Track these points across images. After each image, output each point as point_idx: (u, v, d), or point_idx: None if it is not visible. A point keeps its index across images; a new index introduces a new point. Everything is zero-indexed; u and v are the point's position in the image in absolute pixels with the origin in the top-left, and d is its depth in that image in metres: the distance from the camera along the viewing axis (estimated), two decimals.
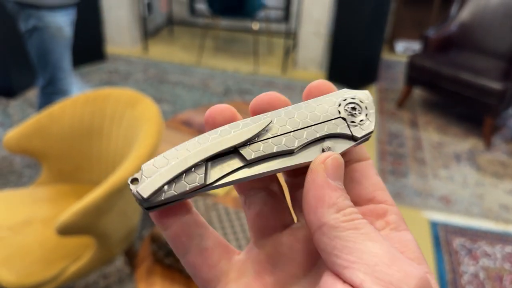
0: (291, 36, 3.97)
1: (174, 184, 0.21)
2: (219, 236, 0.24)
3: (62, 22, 1.83)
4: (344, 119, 0.23)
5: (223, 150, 0.21)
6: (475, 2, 2.89)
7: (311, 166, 0.21)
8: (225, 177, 0.21)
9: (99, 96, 1.50)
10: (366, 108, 0.24)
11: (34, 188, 1.47)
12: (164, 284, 1.16)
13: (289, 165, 0.22)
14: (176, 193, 0.20)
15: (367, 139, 0.23)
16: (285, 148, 0.22)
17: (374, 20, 3.07)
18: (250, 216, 0.25)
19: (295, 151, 0.22)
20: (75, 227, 1.09)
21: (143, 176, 0.21)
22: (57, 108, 1.48)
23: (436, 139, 2.65)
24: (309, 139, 0.22)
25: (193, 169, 0.21)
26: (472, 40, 2.88)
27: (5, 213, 1.32)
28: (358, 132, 0.23)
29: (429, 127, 2.80)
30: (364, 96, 0.24)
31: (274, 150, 0.22)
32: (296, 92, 3.22)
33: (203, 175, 0.21)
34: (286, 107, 0.23)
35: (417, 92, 3.17)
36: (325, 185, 0.20)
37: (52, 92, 1.95)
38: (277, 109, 0.23)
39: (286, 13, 4.30)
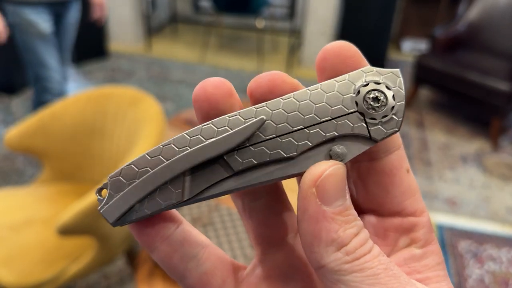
0: (296, 34, 3.95)
1: (146, 201, 0.17)
2: (219, 252, 0.21)
3: (37, 19, 1.80)
4: (362, 113, 0.18)
5: (204, 160, 0.17)
6: (483, 1, 2.86)
7: (300, 187, 0.17)
8: (207, 190, 0.18)
9: (101, 95, 1.49)
10: (393, 98, 0.18)
11: (35, 186, 1.46)
12: (166, 285, 1.14)
13: (286, 175, 0.18)
14: (148, 213, 0.17)
15: (391, 135, 0.18)
16: (282, 155, 0.18)
17: (381, 18, 3.04)
18: (252, 226, 0.22)
19: (295, 157, 0.18)
20: (76, 227, 1.07)
21: (109, 192, 0.17)
22: (59, 106, 1.47)
23: (443, 140, 2.63)
24: (313, 143, 0.18)
25: (168, 183, 0.17)
26: (480, 40, 2.85)
27: (5, 212, 1.31)
28: (378, 134, 0.18)
29: (436, 127, 2.77)
30: (392, 78, 0.18)
31: (268, 159, 0.18)
32: None
33: (180, 190, 0.17)
34: (288, 95, 0.18)
35: (424, 92, 3.15)
36: (320, 216, 0.16)
37: (40, 90, 1.94)
38: (280, 95, 0.18)
39: (291, 11, 4.28)
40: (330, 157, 0.18)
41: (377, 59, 3.23)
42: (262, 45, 3.88)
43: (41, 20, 1.82)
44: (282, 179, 0.18)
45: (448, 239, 1.86)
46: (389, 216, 0.20)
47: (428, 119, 2.87)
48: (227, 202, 1.36)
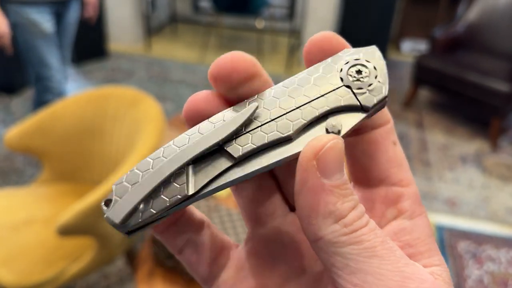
0: (296, 34, 3.95)
1: (151, 201, 0.17)
2: (214, 229, 0.22)
3: (40, 18, 1.81)
4: (348, 87, 0.18)
5: (204, 150, 0.17)
6: (483, 2, 2.87)
7: (299, 160, 0.17)
8: (211, 183, 0.17)
9: (101, 95, 1.49)
10: (374, 68, 0.19)
11: (35, 186, 1.46)
12: (165, 286, 1.15)
13: (287, 155, 0.18)
14: (155, 212, 0.17)
15: (382, 107, 0.19)
16: (280, 135, 0.18)
17: (380, 19, 3.05)
18: (243, 204, 0.22)
19: (292, 137, 0.18)
20: (76, 227, 1.07)
21: (114, 197, 0.17)
22: (59, 106, 1.47)
23: (442, 140, 2.63)
24: (307, 120, 0.18)
25: (171, 179, 0.17)
26: (479, 41, 2.85)
27: (5, 212, 1.31)
28: (368, 101, 0.18)
29: (435, 128, 2.77)
30: (370, 53, 0.19)
31: (266, 141, 0.18)
32: None
33: (184, 184, 0.17)
34: (277, 85, 0.19)
35: (423, 93, 3.15)
36: (319, 189, 0.16)
37: (41, 90, 1.95)
38: (243, 75, 0.19)
39: (291, 12, 4.28)
40: (327, 131, 0.18)
41: None
42: (262, 45, 3.88)
43: (43, 20, 1.83)
44: (285, 162, 0.18)
45: (448, 240, 1.87)
46: (375, 186, 0.21)
47: (427, 119, 2.88)
48: (226, 203, 1.37)
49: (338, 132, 0.18)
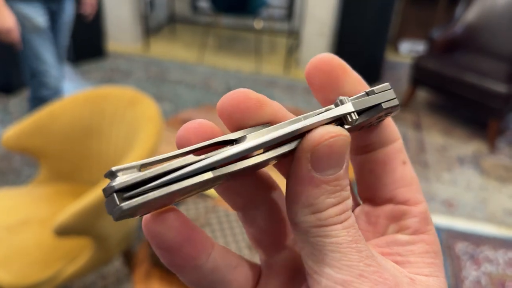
0: (294, 35, 3.95)
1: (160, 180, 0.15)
2: (247, 271, 0.20)
3: (32, 13, 1.82)
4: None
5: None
6: (481, 3, 2.87)
7: (298, 148, 0.17)
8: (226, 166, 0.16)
9: (99, 95, 1.49)
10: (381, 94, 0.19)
11: (32, 187, 1.46)
12: (162, 287, 1.14)
13: (300, 127, 0.17)
14: (163, 173, 0.15)
15: (392, 111, 0.19)
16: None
17: (379, 19, 3.05)
18: (254, 235, 0.21)
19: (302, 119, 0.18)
20: (73, 228, 1.07)
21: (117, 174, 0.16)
22: (57, 106, 1.47)
23: (440, 141, 2.63)
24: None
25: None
26: (477, 42, 2.85)
27: (2, 212, 1.31)
28: (379, 99, 0.19)
29: (433, 129, 2.77)
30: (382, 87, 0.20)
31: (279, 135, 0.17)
32: (298, 92, 3.20)
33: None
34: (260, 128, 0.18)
35: (421, 94, 3.15)
36: (306, 180, 0.17)
37: (37, 85, 1.95)
38: (245, 111, 0.17)
39: (289, 12, 4.28)
40: (336, 105, 0.18)
41: (375, 60, 3.23)
42: (260, 46, 3.88)
43: (36, 15, 1.83)
44: (298, 133, 0.17)
45: (445, 241, 1.87)
46: (382, 204, 0.21)
47: (425, 120, 2.88)
48: (225, 204, 1.36)
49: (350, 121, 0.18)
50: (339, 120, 0.18)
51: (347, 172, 0.17)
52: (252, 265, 0.21)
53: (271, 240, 0.21)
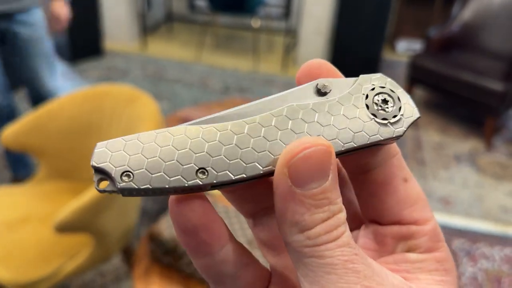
0: (292, 34, 3.95)
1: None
2: (257, 271, 0.20)
3: None
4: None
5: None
6: (478, 2, 2.88)
7: (276, 165, 0.16)
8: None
9: (98, 93, 1.49)
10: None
11: (31, 184, 1.46)
12: (162, 283, 1.15)
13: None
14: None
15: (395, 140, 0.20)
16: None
17: (376, 18, 3.06)
18: (264, 240, 0.21)
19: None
20: (73, 225, 1.07)
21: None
22: (55, 104, 1.47)
23: (437, 139, 2.65)
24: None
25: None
26: (474, 40, 2.87)
27: (2, 210, 1.31)
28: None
29: (430, 127, 2.79)
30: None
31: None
32: None
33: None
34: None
35: (418, 92, 3.16)
36: (288, 197, 0.16)
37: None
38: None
39: (287, 11, 4.29)
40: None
41: (372, 59, 3.24)
42: (258, 44, 3.89)
43: None
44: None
45: None
46: (388, 225, 0.20)
47: (422, 118, 2.89)
48: (224, 201, 1.37)
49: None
50: None
51: (336, 183, 0.16)
52: (264, 269, 0.21)
53: (281, 245, 0.21)
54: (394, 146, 0.20)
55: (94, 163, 0.17)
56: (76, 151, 1.48)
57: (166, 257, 1.17)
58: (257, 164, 0.17)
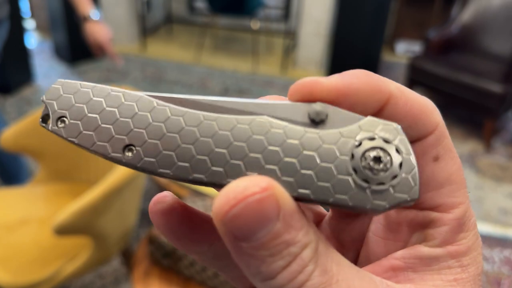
0: (291, 35, 3.96)
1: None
2: None
3: None
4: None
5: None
6: (477, 3, 2.89)
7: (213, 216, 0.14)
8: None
9: None
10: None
11: (30, 186, 1.46)
12: (161, 285, 1.15)
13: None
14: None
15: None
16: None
17: (375, 20, 3.06)
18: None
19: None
20: (72, 227, 1.07)
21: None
22: None
23: None
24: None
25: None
26: (473, 42, 2.87)
27: (1, 212, 1.31)
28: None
29: None
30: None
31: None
32: None
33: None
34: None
35: None
36: (237, 251, 0.14)
37: None
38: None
39: (286, 13, 4.29)
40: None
41: (371, 60, 3.24)
42: (257, 46, 3.89)
43: None
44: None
45: None
46: (405, 209, 0.18)
47: None
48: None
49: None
50: None
51: (292, 216, 0.14)
52: None
53: None
54: (432, 121, 0.17)
55: (44, 97, 0.16)
56: (75, 153, 1.48)
57: (166, 260, 1.17)
58: (188, 166, 0.15)
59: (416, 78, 2.84)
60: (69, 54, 3.35)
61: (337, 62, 3.23)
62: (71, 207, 1.06)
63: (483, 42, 2.83)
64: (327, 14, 3.32)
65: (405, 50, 4.04)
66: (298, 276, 0.14)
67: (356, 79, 0.16)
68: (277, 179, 0.14)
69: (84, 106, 0.16)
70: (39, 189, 1.44)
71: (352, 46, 3.13)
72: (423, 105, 0.17)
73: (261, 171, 0.15)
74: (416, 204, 0.17)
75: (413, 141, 0.16)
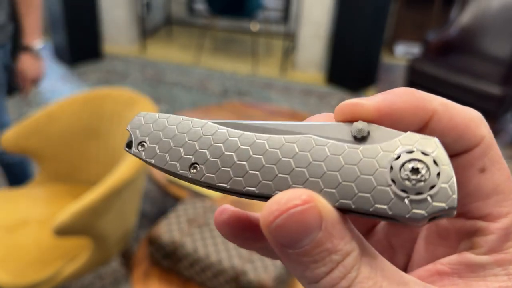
0: (290, 37, 3.96)
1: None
2: None
3: None
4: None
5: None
6: (476, 6, 2.90)
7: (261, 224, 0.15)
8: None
9: (97, 96, 1.49)
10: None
11: (30, 187, 1.46)
12: (161, 286, 1.15)
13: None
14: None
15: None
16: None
17: (374, 22, 3.07)
18: None
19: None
20: (72, 228, 1.08)
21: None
22: (55, 108, 1.47)
23: None
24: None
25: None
26: (472, 44, 2.88)
27: (1, 213, 1.31)
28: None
29: None
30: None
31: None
32: (294, 94, 3.22)
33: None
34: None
35: None
36: (284, 257, 0.15)
37: None
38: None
39: (286, 14, 4.30)
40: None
41: (371, 62, 3.25)
42: (257, 48, 3.89)
43: None
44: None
45: None
46: (454, 218, 0.18)
47: None
48: (223, 203, 1.37)
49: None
50: None
51: (334, 226, 0.15)
52: None
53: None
54: (478, 134, 0.17)
55: (129, 126, 0.20)
56: (76, 154, 1.49)
57: (165, 260, 1.18)
58: (242, 180, 0.17)
59: (415, 80, 2.84)
60: (68, 55, 3.35)
61: (336, 64, 3.24)
62: (71, 208, 1.06)
63: (482, 44, 2.84)
64: (326, 16, 3.33)
65: (405, 52, 4.05)
66: (341, 282, 0.15)
67: (398, 98, 0.18)
68: (320, 190, 0.16)
69: (160, 133, 0.19)
70: (39, 190, 1.44)
71: (351, 48, 3.13)
72: (468, 119, 0.17)
73: (306, 183, 0.16)
74: (464, 213, 0.18)
75: (459, 153, 0.17)
